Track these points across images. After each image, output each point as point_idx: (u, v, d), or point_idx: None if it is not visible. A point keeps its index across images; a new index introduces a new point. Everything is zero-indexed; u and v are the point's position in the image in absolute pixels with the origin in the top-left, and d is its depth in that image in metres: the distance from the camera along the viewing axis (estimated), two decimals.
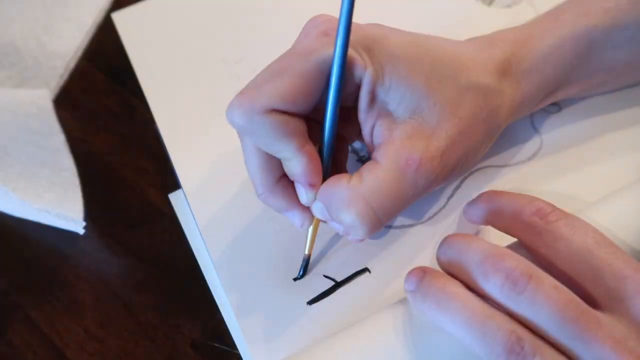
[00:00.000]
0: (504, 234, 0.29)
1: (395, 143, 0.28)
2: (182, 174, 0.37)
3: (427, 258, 0.32)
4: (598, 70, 0.33)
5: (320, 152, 0.29)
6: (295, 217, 0.30)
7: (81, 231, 0.36)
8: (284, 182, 0.30)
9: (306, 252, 0.32)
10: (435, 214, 0.34)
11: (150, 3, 0.45)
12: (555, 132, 0.36)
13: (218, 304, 0.34)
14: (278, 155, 0.28)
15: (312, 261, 0.33)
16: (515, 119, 0.33)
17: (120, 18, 0.44)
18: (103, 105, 0.43)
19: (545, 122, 0.36)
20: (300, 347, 0.30)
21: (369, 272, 0.32)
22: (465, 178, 0.35)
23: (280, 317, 0.31)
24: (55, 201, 0.36)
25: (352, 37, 0.26)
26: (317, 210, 0.29)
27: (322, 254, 0.33)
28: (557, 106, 0.36)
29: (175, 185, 0.38)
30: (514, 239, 0.29)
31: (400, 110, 0.28)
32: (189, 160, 0.37)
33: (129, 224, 0.38)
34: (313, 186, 0.28)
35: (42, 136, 0.38)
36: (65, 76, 0.44)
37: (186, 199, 0.36)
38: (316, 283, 0.32)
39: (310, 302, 0.32)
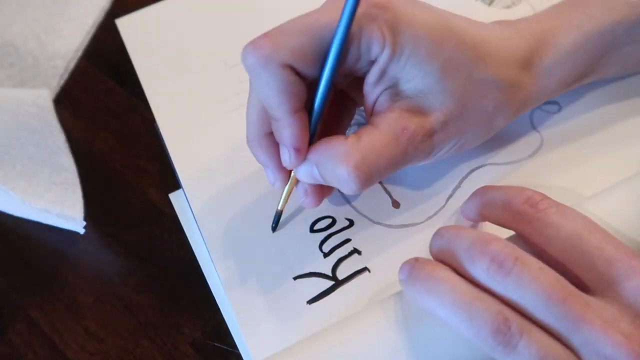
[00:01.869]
0: (503, 232, 0.29)
1: (394, 112, 0.29)
2: (183, 174, 0.37)
3: (426, 257, 0.32)
4: (613, 64, 0.33)
5: (310, 117, 0.29)
6: (271, 175, 0.32)
7: (81, 231, 0.36)
8: (272, 138, 0.30)
9: (279, 208, 0.33)
10: (435, 213, 0.34)
11: (153, 8, 0.45)
12: (555, 130, 0.36)
13: (218, 304, 0.34)
14: (270, 112, 0.28)
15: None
16: (525, 111, 0.33)
17: (123, 23, 0.44)
18: (103, 105, 0.43)
19: (545, 121, 0.36)
20: None
21: (369, 271, 0.32)
22: (465, 177, 0.35)
23: (280, 317, 0.31)
24: (56, 201, 0.36)
25: (379, 12, 0.27)
26: (304, 171, 0.30)
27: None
28: (557, 105, 0.37)
29: (175, 185, 0.38)
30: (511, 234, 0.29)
31: (407, 86, 0.29)
32: (189, 160, 0.37)
33: (129, 224, 0.38)
34: (298, 151, 0.29)
35: (43, 136, 0.38)
36: (66, 76, 0.45)
37: (187, 199, 0.36)
38: (316, 282, 0.32)
39: (310, 302, 0.32)
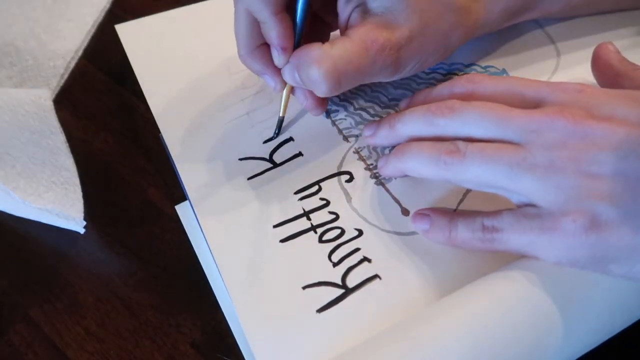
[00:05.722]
0: (488, 203, 0.31)
1: (366, 26, 0.33)
2: (190, 186, 0.36)
3: (437, 263, 0.32)
4: (556, 1, 0.38)
5: (294, 25, 0.34)
6: (270, 80, 0.36)
7: (81, 230, 0.37)
8: (263, 48, 0.35)
9: (280, 115, 0.37)
10: None
11: (154, 17, 0.44)
12: None
13: (220, 303, 0.34)
14: (257, 16, 0.33)
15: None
16: (473, 37, 0.37)
17: (123, 30, 0.44)
18: (103, 105, 0.43)
19: None
20: (310, 356, 0.29)
21: (380, 278, 0.32)
22: None
23: (289, 326, 0.30)
24: (56, 200, 0.36)
25: None
26: (288, 73, 0.34)
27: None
28: None
29: (175, 184, 0.38)
30: (505, 207, 0.30)
31: (375, 4, 0.33)
32: (196, 171, 0.36)
33: (129, 224, 0.38)
34: (284, 49, 0.33)
35: (43, 136, 0.38)
36: (66, 76, 0.45)
37: (193, 211, 0.35)
38: (326, 291, 0.32)
39: (320, 310, 0.31)
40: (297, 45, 0.34)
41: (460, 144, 0.29)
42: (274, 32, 0.33)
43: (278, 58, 0.34)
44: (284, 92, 0.36)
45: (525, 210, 0.28)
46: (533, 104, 0.29)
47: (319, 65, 0.32)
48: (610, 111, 0.27)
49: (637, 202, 0.25)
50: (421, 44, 0.34)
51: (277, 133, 0.37)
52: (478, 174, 0.28)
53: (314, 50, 0.32)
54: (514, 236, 0.28)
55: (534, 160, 0.27)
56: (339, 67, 0.32)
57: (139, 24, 0.44)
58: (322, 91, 0.33)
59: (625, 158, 0.25)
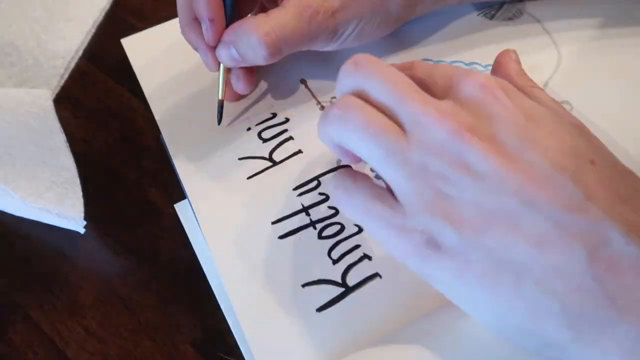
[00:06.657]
0: None
1: None
2: (189, 186, 0.36)
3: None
4: None
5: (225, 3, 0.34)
6: (203, 55, 0.36)
7: (82, 230, 0.37)
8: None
9: (219, 97, 0.37)
10: None
11: (159, 28, 0.45)
12: None
13: (220, 303, 0.34)
14: None
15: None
16: (409, 15, 0.39)
17: (129, 43, 0.44)
18: (103, 105, 0.43)
19: None
20: (310, 355, 0.29)
21: (380, 277, 0.32)
22: None
23: (289, 325, 0.30)
24: (56, 200, 0.36)
25: None
26: (224, 54, 0.35)
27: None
28: (569, 105, 0.36)
29: (175, 184, 0.38)
30: None
31: None
32: (195, 172, 0.36)
33: (129, 224, 0.38)
34: (212, 21, 0.34)
35: (43, 135, 0.38)
36: (66, 76, 0.45)
37: (192, 210, 0.35)
38: (326, 289, 0.31)
39: (320, 309, 0.31)
40: (228, 23, 0.34)
41: (351, 100, 0.26)
42: (200, 3, 0.33)
43: (207, 32, 0.34)
44: (220, 73, 0.36)
45: (383, 192, 0.26)
46: (438, 91, 0.27)
47: (256, 30, 0.33)
48: (492, 130, 0.25)
49: (483, 234, 0.23)
50: (356, 9, 0.35)
51: (220, 119, 0.38)
52: (354, 141, 0.26)
53: (250, 20, 0.33)
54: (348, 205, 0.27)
55: (409, 155, 0.25)
56: (277, 31, 0.33)
57: (144, 35, 0.44)
58: (262, 56, 0.34)
59: (489, 191, 0.24)
